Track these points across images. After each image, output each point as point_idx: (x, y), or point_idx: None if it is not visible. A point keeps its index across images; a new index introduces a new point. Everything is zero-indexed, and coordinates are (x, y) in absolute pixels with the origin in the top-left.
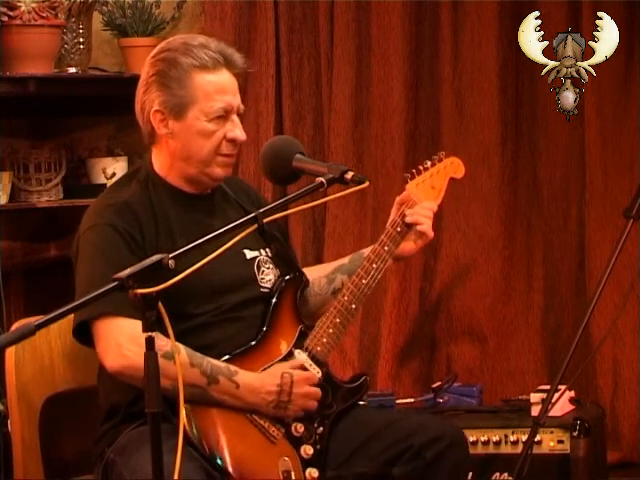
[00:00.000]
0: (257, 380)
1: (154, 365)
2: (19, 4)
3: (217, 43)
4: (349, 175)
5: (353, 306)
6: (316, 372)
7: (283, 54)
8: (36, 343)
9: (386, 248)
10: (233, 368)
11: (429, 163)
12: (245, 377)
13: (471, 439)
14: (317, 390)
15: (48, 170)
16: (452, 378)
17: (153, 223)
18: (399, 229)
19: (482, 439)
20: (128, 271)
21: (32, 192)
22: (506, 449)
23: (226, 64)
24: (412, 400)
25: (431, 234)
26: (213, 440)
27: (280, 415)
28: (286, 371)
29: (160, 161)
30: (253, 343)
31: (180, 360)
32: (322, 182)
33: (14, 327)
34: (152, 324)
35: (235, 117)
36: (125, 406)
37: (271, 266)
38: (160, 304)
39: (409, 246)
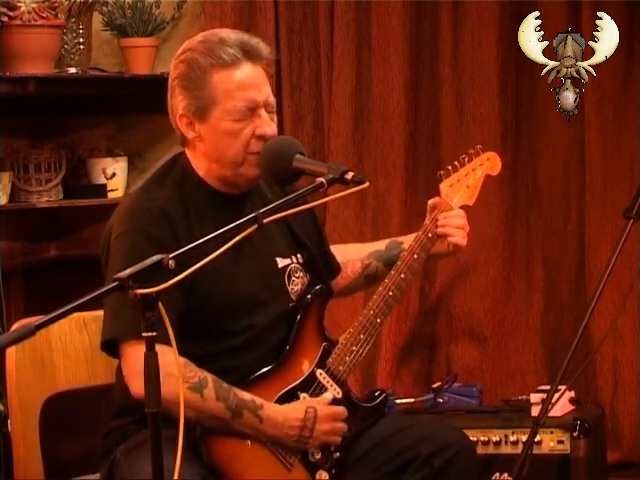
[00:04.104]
0: (281, 414)
1: (154, 365)
2: (19, 4)
3: (239, 36)
4: (349, 175)
5: (378, 320)
6: (336, 392)
7: (283, 54)
8: (36, 343)
9: (415, 257)
10: (259, 401)
11: (466, 158)
12: (269, 411)
13: (471, 439)
14: (342, 425)
15: (48, 170)
16: (452, 378)
17: (188, 229)
18: (430, 235)
19: (482, 439)
20: (128, 271)
21: (32, 192)
22: (506, 449)
23: (248, 57)
24: (412, 400)
25: (464, 244)
26: (228, 465)
27: (301, 448)
28: (311, 406)
29: (197, 163)
30: (275, 364)
31: (207, 394)
32: (322, 182)
33: (14, 327)
34: (152, 324)
35: (263, 112)
36: (142, 407)
37: (301, 274)
38: (160, 305)
39: (443, 250)
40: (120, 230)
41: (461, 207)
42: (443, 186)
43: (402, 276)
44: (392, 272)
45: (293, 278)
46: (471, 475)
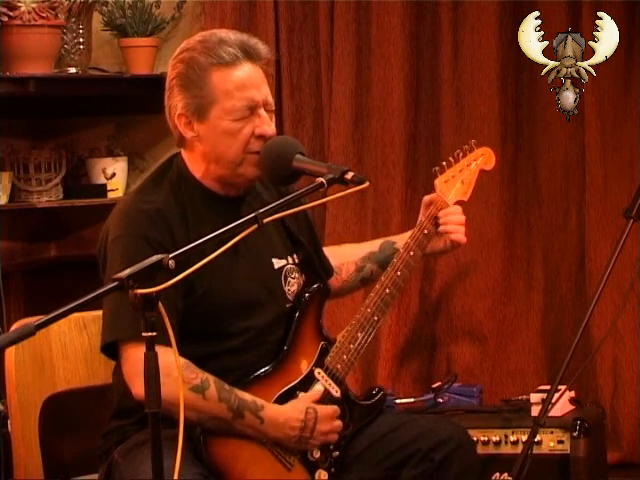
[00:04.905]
0: (282, 415)
1: (154, 365)
2: (19, 4)
3: (238, 36)
4: (349, 175)
5: (376, 318)
6: (335, 391)
7: (283, 54)
8: (36, 343)
9: (412, 253)
10: (260, 403)
11: (460, 154)
12: (270, 412)
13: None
14: (340, 424)
15: (48, 170)
16: (452, 378)
17: (185, 231)
18: (426, 231)
19: (482, 439)
20: (128, 271)
21: (32, 192)
22: (506, 449)
23: (247, 57)
24: (412, 400)
25: (464, 241)
26: (228, 465)
27: (300, 449)
28: (311, 406)
29: (194, 164)
30: (274, 364)
31: (209, 395)
32: (322, 182)
33: (14, 327)
34: (152, 324)
35: (262, 111)
36: (141, 408)
37: (297, 275)
38: (160, 305)
39: (441, 247)
40: (117, 233)
41: (456, 203)
42: (438, 182)
43: (398, 274)
44: (388, 270)
45: (289, 279)
46: (472, 469)
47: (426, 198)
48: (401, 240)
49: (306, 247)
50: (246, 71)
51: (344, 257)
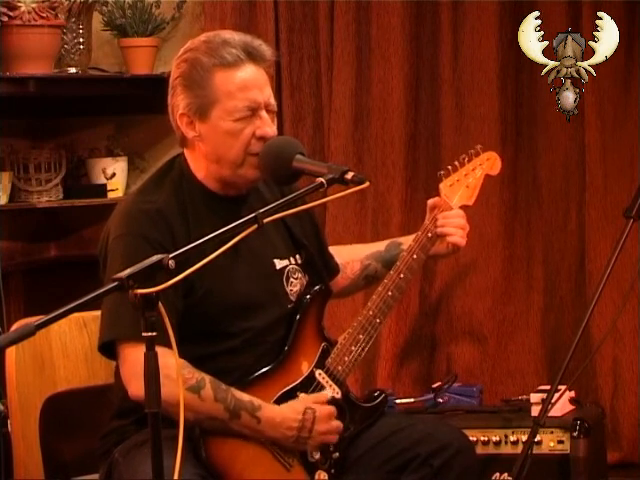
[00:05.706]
0: (279, 415)
1: (154, 365)
2: (19, 4)
3: (242, 37)
4: (349, 175)
5: (377, 320)
6: (336, 393)
7: (283, 54)
8: (36, 343)
9: (415, 257)
10: (257, 403)
11: (465, 158)
12: (268, 412)
13: (471, 439)
14: (339, 425)
15: (48, 170)
16: (452, 378)
17: (185, 232)
18: (430, 235)
19: (482, 439)
20: (128, 271)
21: (32, 192)
22: (506, 449)
23: (250, 59)
24: (412, 400)
25: (463, 244)
26: (227, 466)
27: (299, 449)
28: (309, 407)
29: (196, 164)
30: (274, 365)
31: (205, 395)
32: (322, 182)
33: (14, 327)
34: (152, 324)
35: (264, 113)
36: (141, 408)
37: (299, 275)
38: (160, 305)
39: (442, 250)
40: (117, 232)
41: (461, 207)
42: (443, 186)
43: (401, 276)
44: (391, 272)
45: (291, 279)
46: (471, 475)
47: (430, 201)
48: (407, 241)
49: (308, 248)
50: (249, 72)
51: (350, 256)
